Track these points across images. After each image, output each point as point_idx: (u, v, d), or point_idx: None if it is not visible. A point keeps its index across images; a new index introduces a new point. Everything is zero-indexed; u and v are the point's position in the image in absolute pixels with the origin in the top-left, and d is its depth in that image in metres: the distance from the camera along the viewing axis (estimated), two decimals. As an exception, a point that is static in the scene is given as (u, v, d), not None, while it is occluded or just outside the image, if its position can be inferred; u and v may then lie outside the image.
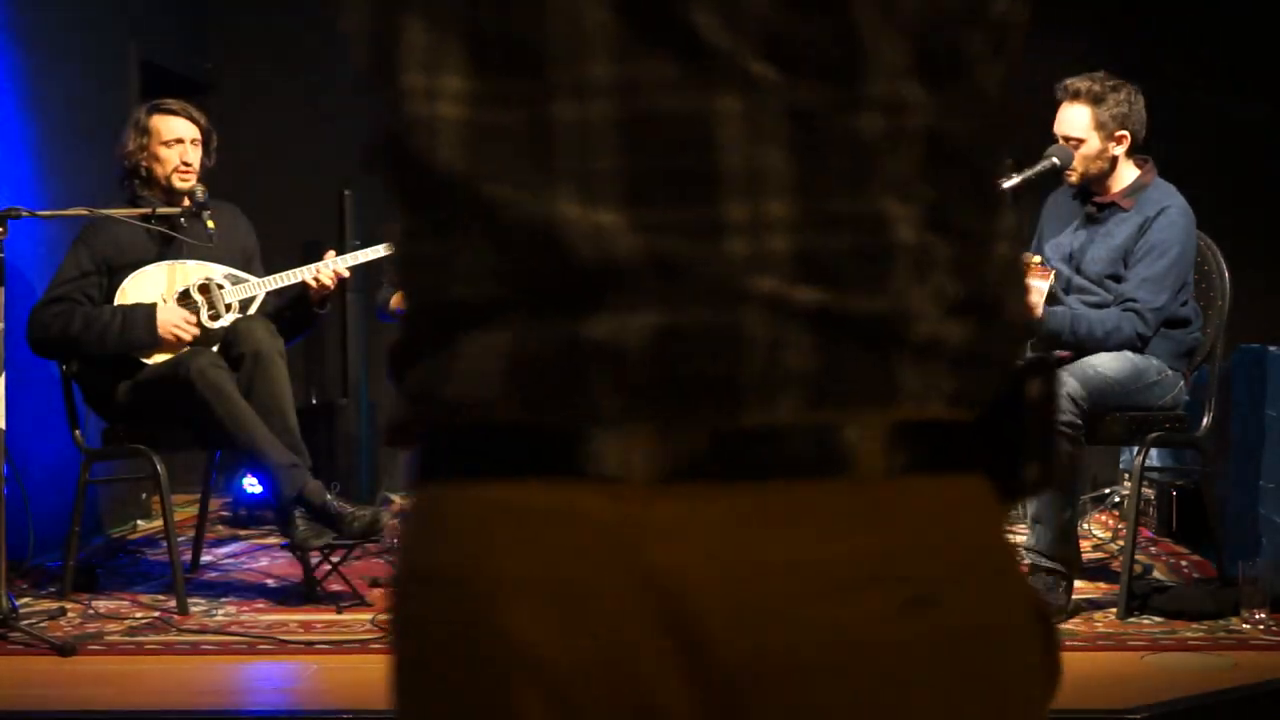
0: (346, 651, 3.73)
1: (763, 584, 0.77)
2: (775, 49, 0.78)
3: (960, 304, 0.81)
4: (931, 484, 0.81)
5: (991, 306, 0.84)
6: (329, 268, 4.53)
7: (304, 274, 4.52)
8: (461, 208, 0.82)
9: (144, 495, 5.73)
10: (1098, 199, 4.16)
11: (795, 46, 0.79)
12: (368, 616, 4.01)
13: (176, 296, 4.47)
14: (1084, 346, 3.98)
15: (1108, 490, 5.37)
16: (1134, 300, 4.00)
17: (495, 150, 0.81)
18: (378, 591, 4.37)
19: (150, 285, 4.47)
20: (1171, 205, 4.07)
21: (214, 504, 5.29)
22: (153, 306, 4.41)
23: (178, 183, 4.56)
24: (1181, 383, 4.10)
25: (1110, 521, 5.32)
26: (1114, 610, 3.92)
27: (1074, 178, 4.11)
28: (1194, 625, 3.80)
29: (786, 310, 0.77)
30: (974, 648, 0.80)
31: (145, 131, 4.58)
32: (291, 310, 4.57)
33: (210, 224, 4.58)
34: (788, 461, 0.78)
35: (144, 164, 4.58)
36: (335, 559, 4.33)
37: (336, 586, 4.31)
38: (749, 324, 0.77)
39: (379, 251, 4.68)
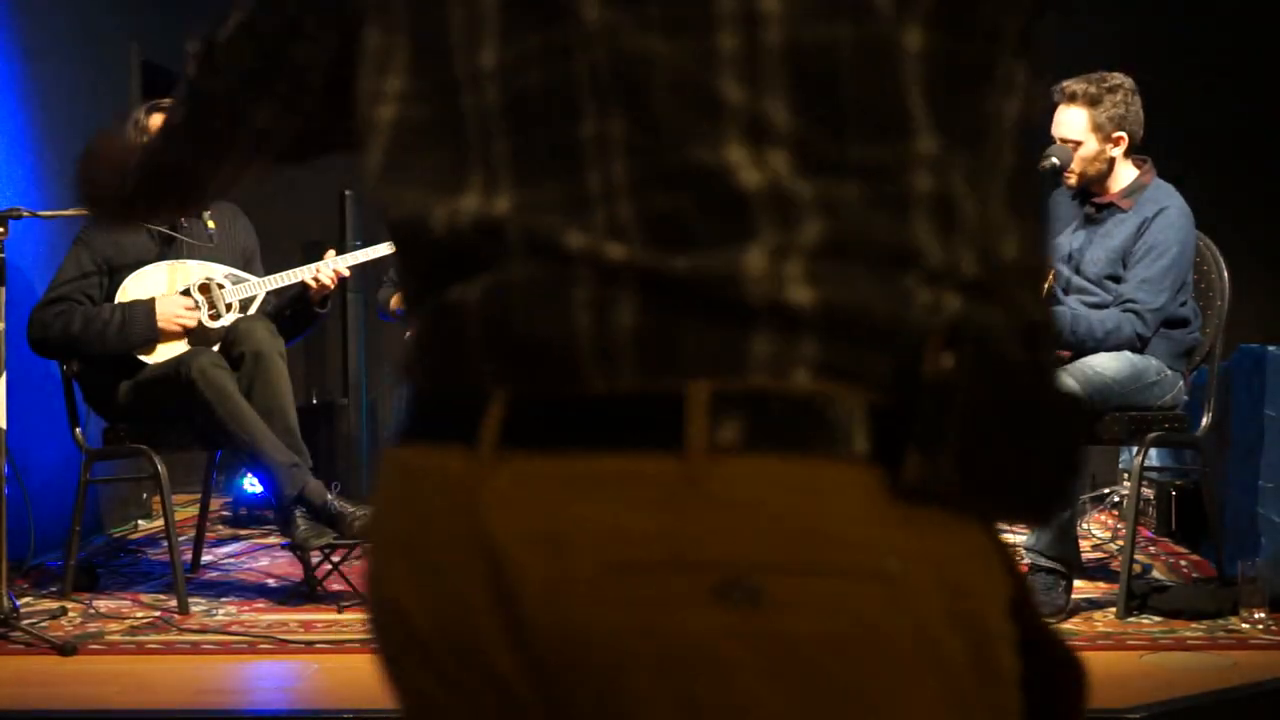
0: (346, 651, 3.73)
1: (573, 558, 0.74)
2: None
3: (827, 255, 0.72)
4: (773, 465, 0.72)
5: (899, 257, 0.73)
6: (329, 267, 4.53)
7: (304, 274, 4.53)
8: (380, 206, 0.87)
9: (144, 495, 5.73)
10: (1096, 200, 4.16)
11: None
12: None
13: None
14: (1083, 347, 3.98)
15: (1107, 490, 5.37)
16: (1133, 301, 4.00)
17: (409, 146, 0.84)
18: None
19: (151, 285, 4.48)
20: (1170, 206, 4.07)
21: (214, 504, 5.29)
22: (151, 300, 4.41)
23: (178, 182, 4.56)
24: (1181, 383, 4.10)
25: (1110, 521, 5.32)
26: (1113, 610, 3.92)
27: (1072, 179, 4.11)
28: (1193, 625, 3.80)
29: (608, 269, 0.73)
30: (806, 655, 0.71)
31: (145, 131, 4.58)
32: (291, 310, 4.57)
33: (210, 224, 4.58)
34: (619, 431, 0.74)
35: (144, 164, 4.58)
36: (336, 559, 4.34)
37: (337, 586, 4.31)
38: (574, 285, 0.74)
39: (379, 251, 4.69)
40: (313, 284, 4.52)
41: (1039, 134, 0.82)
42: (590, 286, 0.73)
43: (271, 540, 5.25)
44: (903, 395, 0.72)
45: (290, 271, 4.55)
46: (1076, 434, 0.90)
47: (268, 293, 4.55)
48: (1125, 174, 4.14)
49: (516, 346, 0.76)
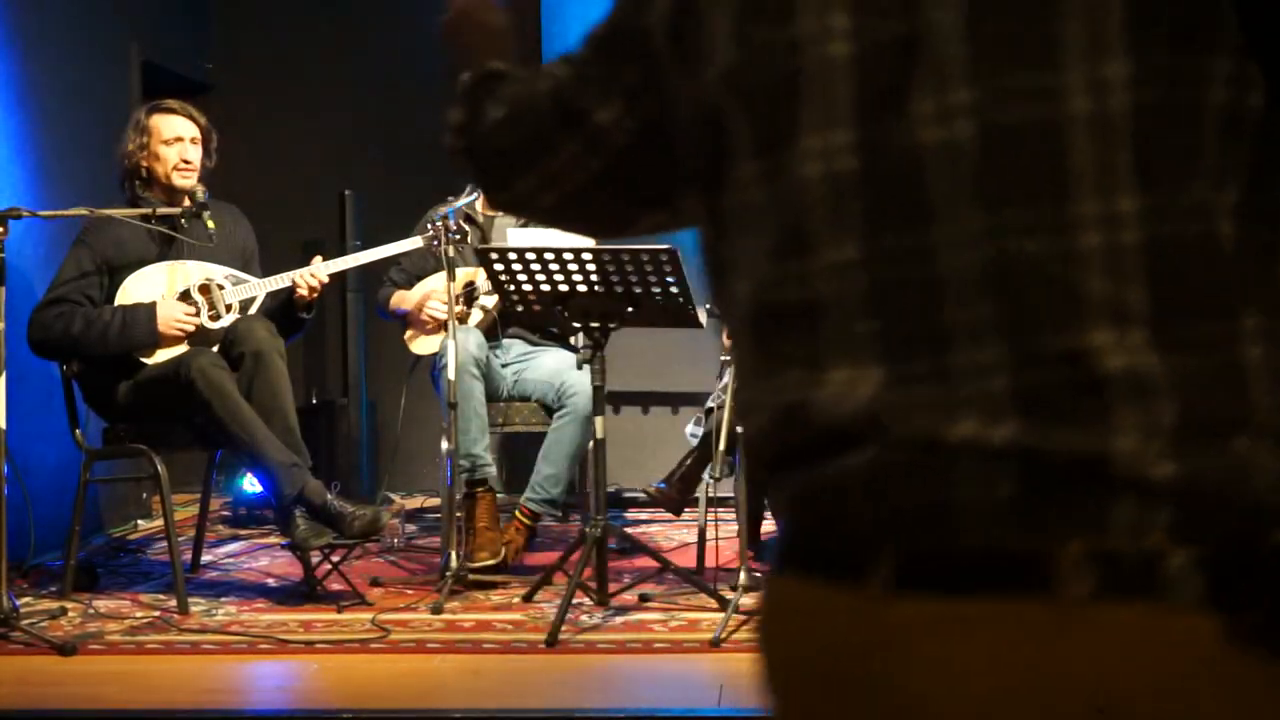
0: (346, 651, 3.73)
1: (965, 682, 0.87)
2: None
3: (1183, 432, 0.83)
4: (1126, 611, 0.84)
5: (1239, 425, 0.84)
6: (310, 274, 4.53)
7: (290, 279, 4.53)
8: None
9: (144, 495, 5.73)
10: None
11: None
12: (368, 616, 4.02)
13: (177, 296, 4.48)
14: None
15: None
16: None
17: (773, 330, 0.99)
18: (378, 591, 4.37)
19: (151, 285, 4.48)
20: None
21: (214, 504, 5.30)
22: (153, 304, 4.42)
23: (178, 180, 4.56)
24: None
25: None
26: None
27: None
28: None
29: (988, 450, 0.85)
30: None
31: (145, 131, 4.59)
32: (280, 313, 4.57)
33: (210, 224, 4.58)
34: (997, 580, 0.86)
35: (144, 164, 4.59)
36: (335, 558, 4.34)
37: (336, 586, 4.31)
38: (957, 465, 0.87)
39: (364, 258, 4.69)
40: (303, 289, 4.51)
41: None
42: (973, 465, 0.86)
43: (271, 540, 5.25)
44: (1245, 554, 0.83)
45: (280, 275, 4.56)
46: None
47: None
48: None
49: (901, 511, 0.89)
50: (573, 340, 4.96)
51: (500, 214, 5.04)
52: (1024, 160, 0.86)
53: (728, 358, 4.18)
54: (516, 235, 4.67)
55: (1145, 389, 0.83)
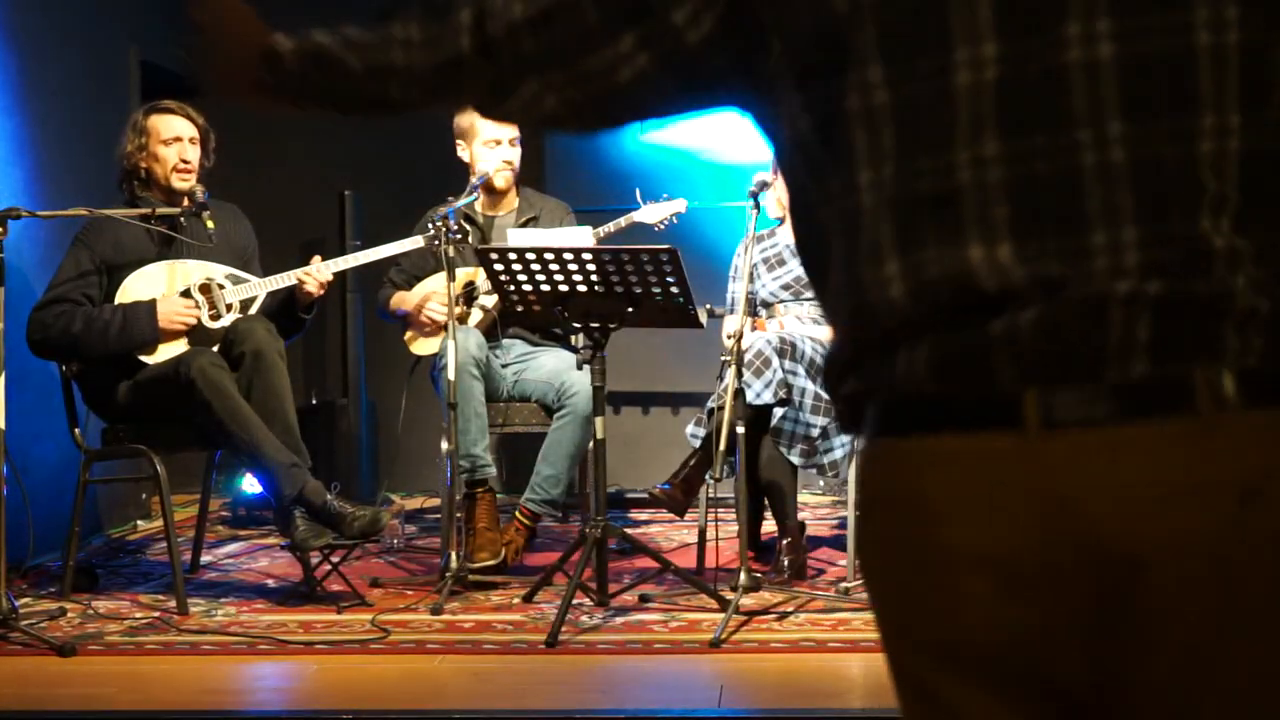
0: (346, 651, 3.73)
1: (1130, 492, 1.07)
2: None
3: (1271, 285, 1.06)
4: (1261, 415, 1.06)
5: None
6: (314, 273, 4.53)
7: (292, 277, 4.53)
8: None
9: (144, 495, 5.73)
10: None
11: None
12: (367, 617, 4.02)
13: (177, 296, 4.48)
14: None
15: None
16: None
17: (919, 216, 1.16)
18: (377, 592, 4.37)
19: (151, 285, 4.48)
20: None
21: (214, 504, 5.29)
22: (152, 301, 4.41)
23: (177, 182, 4.56)
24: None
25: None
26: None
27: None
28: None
29: (1141, 299, 1.06)
30: None
31: (143, 132, 4.58)
32: (280, 313, 4.57)
33: (210, 224, 4.58)
34: (1141, 407, 1.07)
35: (143, 164, 4.58)
36: (335, 559, 4.34)
37: (336, 586, 4.31)
38: (1106, 312, 1.07)
39: (364, 258, 4.69)
40: (312, 285, 4.52)
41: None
42: (1123, 314, 1.06)
43: (271, 541, 5.25)
44: None
45: (282, 275, 4.55)
46: None
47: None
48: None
49: (1047, 357, 1.07)
50: (573, 340, 4.96)
51: (501, 214, 5.05)
52: (1159, 81, 1.07)
53: (728, 358, 4.17)
54: (516, 235, 4.67)
55: (1238, 259, 1.07)
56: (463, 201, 4.64)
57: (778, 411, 4.42)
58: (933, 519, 1.12)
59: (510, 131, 4.93)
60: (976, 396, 1.10)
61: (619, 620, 3.99)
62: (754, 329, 4.67)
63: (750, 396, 4.32)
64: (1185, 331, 1.06)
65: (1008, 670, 1.12)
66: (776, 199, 4.78)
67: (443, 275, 4.46)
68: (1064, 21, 1.08)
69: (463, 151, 4.98)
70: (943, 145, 1.10)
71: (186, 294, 4.48)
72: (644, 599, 4.17)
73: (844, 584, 4.28)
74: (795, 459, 4.43)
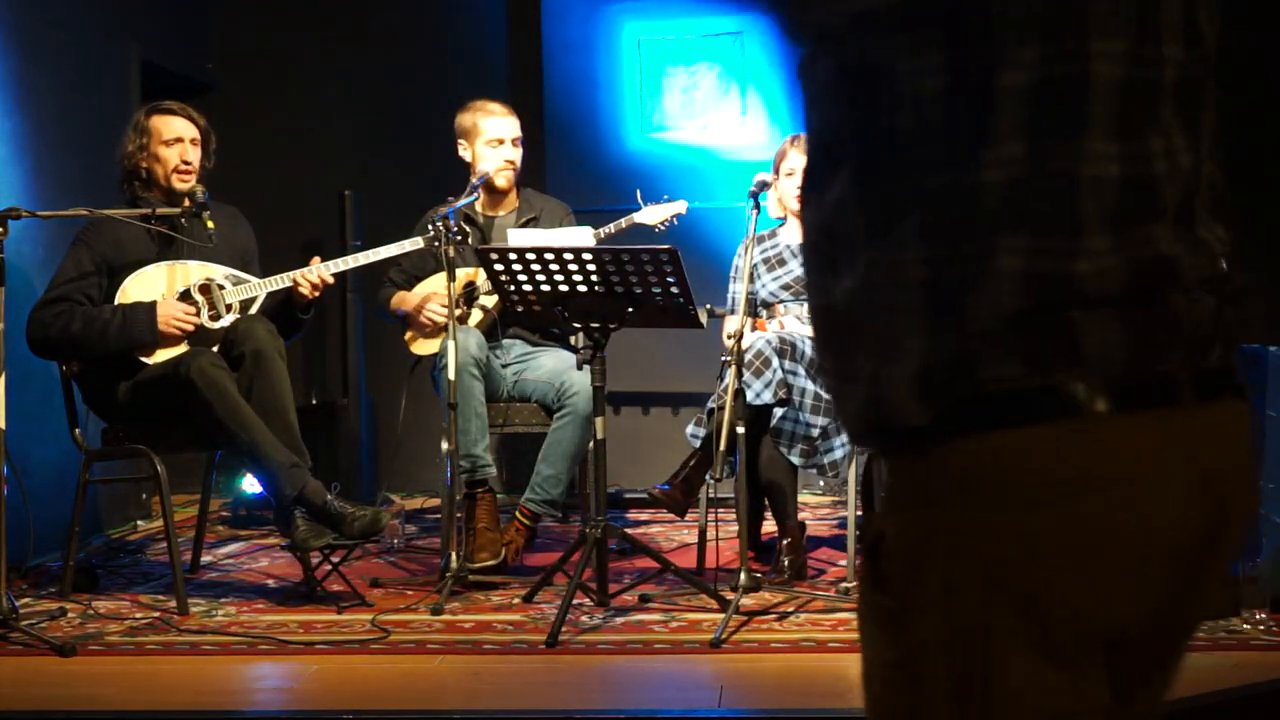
0: (346, 651, 3.73)
1: (1236, 461, 1.25)
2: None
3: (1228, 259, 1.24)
4: (1236, 404, 1.26)
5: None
6: (313, 274, 4.53)
7: (290, 278, 4.53)
8: None
9: (144, 495, 5.73)
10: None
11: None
12: (368, 617, 4.02)
13: (177, 297, 4.48)
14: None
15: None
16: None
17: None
18: (378, 592, 4.37)
19: (151, 285, 4.48)
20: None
21: (214, 504, 5.29)
22: (153, 303, 4.41)
23: (177, 183, 4.56)
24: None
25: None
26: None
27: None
28: (1194, 625, 3.80)
29: (1231, 290, 1.26)
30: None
31: (144, 132, 4.58)
32: (279, 313, 4.57)
33: (210, 224, 4.58)
34: (1226, 386, 1.25)
35: (143, 165, 4.58)
36: (335, 559, 4.34)
37: (336, 586, 4.31)
38: (1205, 297, 1.23)
39: (364, 258, 4.69)
40: (305, 288, 4.51)
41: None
42: (1207, 298, 1.23)
43: (271, 541, 5.25)
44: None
45: (281, 275, 4.55)
46: None
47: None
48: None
49: (1203, 339, 1.22)
50: (573, 340, 4.95)
51: (501, 214, 5.05)
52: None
53: (728, 358, 4.17)
54: (517, 235, 4.67)
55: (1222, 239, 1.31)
56: (463, 202, 4.64)
57: (777, 412, 4.42)
58: (1123, 502, 1.18)
59: (513, 131, 4.94)
60: (1159, 374, 1.19)
61: (619, 620, 3.99)
62: (754, 329, 4.67)
63: (750, 397, 4.32)
64: (1227, 315, 1.24)
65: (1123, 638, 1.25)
66: (777, 199, 4.79)
67: (443, 275, 4.46)
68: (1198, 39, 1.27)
69: (464, 151, 4.98)
70: (1140, 131, 1.20)
71: (186, 294, 4.48)
72: (644, 599, 4.17)
73: (844, 584, 4.28)
74: (795, 459, 4.43)
